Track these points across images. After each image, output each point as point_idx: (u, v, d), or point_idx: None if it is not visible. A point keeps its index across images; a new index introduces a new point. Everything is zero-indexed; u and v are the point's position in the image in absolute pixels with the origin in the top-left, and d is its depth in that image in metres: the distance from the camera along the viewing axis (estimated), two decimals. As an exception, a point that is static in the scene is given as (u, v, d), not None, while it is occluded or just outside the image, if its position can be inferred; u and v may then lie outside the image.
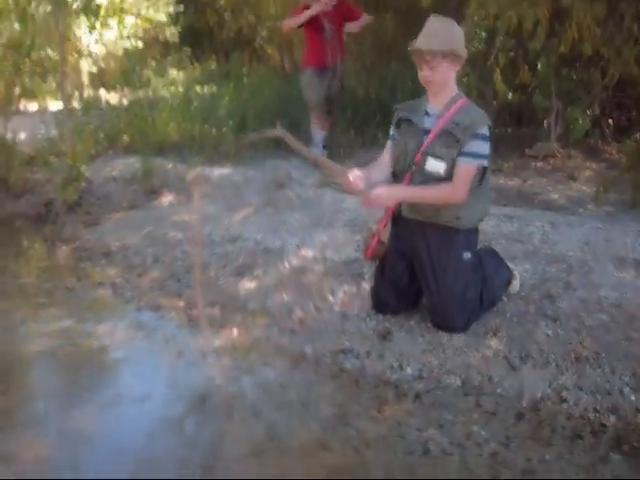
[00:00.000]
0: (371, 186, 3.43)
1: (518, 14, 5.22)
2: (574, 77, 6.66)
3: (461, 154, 3.40)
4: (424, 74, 3.46)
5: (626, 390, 3.09)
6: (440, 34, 3.39)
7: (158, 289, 4.41)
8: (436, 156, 3.44)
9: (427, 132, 3.51)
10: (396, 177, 3.65)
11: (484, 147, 3.43)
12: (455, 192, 3.43)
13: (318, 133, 6.69)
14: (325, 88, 6.52)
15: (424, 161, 3.47)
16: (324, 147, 6.68)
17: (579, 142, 7.17)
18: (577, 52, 5.63)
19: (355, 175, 3.45)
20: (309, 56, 6.68)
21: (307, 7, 6.41)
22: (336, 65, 6.51)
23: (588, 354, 3.36)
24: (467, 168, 3.42)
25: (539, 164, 6.90)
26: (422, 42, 3.41)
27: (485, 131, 3.43)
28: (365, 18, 6.69)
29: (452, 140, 3.41)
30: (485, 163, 3.46)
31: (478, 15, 5.52)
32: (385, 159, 3.71)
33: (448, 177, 3.44)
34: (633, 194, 5.58)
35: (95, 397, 3.22)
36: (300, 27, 6.56)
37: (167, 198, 6.14)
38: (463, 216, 3.51)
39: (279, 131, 3.66)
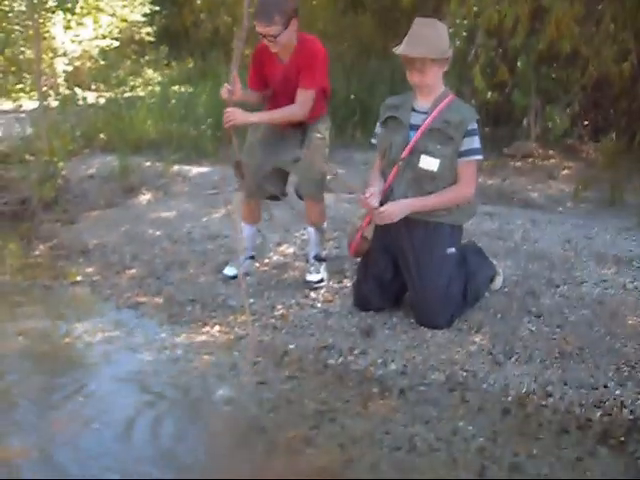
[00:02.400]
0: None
1: (499, 12, 5.23)
2: (553, 76, 6.68)
3: (460, 154, 3.46)
4: (414, 79, 3.47)
5: (611, 385, 3.09)
6: (428, 39, 3.38)
7: (137, 287, 4.35)
8: (429, 153, 3.45)
9: (414, 128, 3.51)
10: (383, 173, 3.65)
11: (477, 142, 3.49)
12: (466, 191, 3.54)
13: (247, 228, 4.33)
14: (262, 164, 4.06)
15: (417, 158, 3.48)
16: (250, 257, 4.38)
17: (557, 142, 7.20)
18: (556, 51, 5.65)
19: (371, 192, 3.51)
20: None
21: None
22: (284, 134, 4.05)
23: (572, 349, 3.37)
24: (469, 165, 3.51)
25: (517, 163, 6.92)
26: (411, 49, 3.39)
27: (475, 125, 3.48)
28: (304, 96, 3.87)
29: (445, 138, 3.44)
30: (481, 157, 3.54)
31: (459, 13, 5.51)
32: (379, 163, 3.72)
33: (440, 173, 3.46)
34: (611, 192, 5.63)
35: (72, 397, 3.17)
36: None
37: (145, 196, 6.08)
38: (455, 211, 3.55)
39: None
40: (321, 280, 4.14)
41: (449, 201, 3.51)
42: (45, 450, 2.78)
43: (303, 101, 3.87)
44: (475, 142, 3.49)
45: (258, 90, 4.07)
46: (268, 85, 4.05)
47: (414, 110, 3.55)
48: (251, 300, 4.01)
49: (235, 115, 3.81)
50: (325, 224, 4.25)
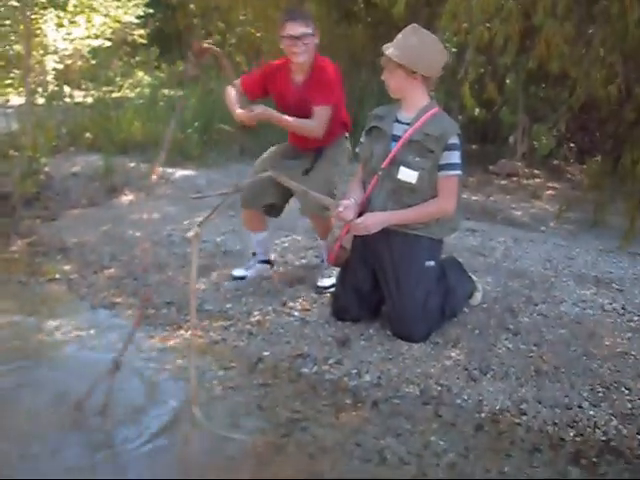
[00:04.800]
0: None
1: (489, 29, 5.23)
2: (541, 95, 6.72)
3: (439, 168, 3.43)
4: (383, 76, 3.51)
5: (585, 405, 3.07)
6: (404, 45, 3.41)
7: (114, 287, 4.31)
8: (408, 165, 3.42)
9: (395, 138, 3.49)
10: (363, 183, 3.63)
11: (457, 157, 3.45)
12: (445, 205, 3.48)
13: (252, 235, 4.35)
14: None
15: (396, 169, 3.45)
16: (263, 261, 4.36)
17: (542, 162, 7.24)
18: (545, 70, 5.67)
19: (345, 205, 3.48)
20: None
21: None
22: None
23: (548, 368, 3.35)
24: (448, 180, 3.46)
25: (503, 181, 6.96)
26: (388, 45, 3.44)
27: (456, 140, 3.44)
28: (320, 114, 3.85)
29: (424, 150, 3.41)
30: (459, 172, 3.48)
31: (450, 29, 5.52)
32: (360, 173, 3.70)
33: (419, 186, 3.43)
34: (594, 214, 5.64)
35: (39, 393, 3.13)
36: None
37: (128, 197, 6.05)
38: (433, 225, 3.52)
39: (273, 173, 3.65)
40: (333, 285, 4.05)
41: (427, 215, 3.49)
42: (10, 445, 2.74)
43: (319, 117, 3.85)
44: (454, 157, 3.44)
45: (251, 98, 4.02)
46: (263, 95, 4.04)
47: (397, 121, 3.54)
48: (228, 305, 3.99)
49: (260, 108, 3.83)
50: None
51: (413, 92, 3.48)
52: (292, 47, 3.82)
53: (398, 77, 3.44)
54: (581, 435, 2.91)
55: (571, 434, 2.92)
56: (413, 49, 3.38)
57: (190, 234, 3.00)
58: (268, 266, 4.36)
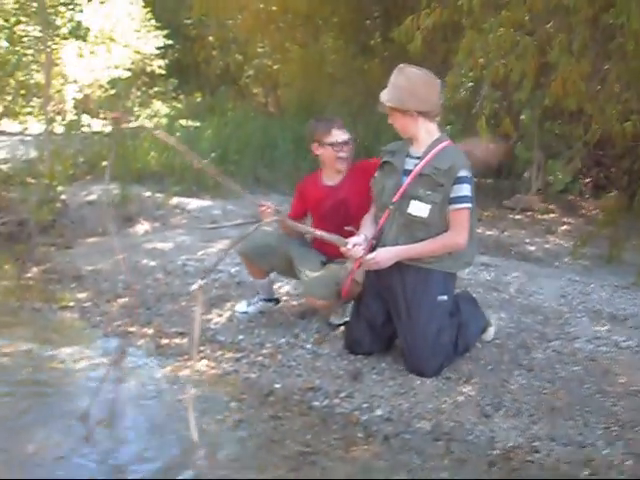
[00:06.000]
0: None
1: (505, 65, 5.25)
2: (556, 131, 6.74)
3: (450, 201, 3.42)
4: (389, 120, 3.57)
5: (599, 443, 3.03)
6: (393, 88, 3.46)
7: (127, 316, 4.31)
8: (420, 199, 3.43)
9: (406, 173, 3.51)
10: (375, 217, 3.64)
11: (467, 190, 3.44)
12: (455, 239, 3.46)
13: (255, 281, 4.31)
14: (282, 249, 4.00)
15: (407, 203, 3.46)
16: (267, 300, 4.28)
17: (557, 197, 7.24)
18: (561, 106, 5.68)
19: (354, 242, 3.48)
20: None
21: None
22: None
23: (561, 405, 3.31)
24: (459, 213, 3.45)
25: (517, 216, 6.95)
26: (382, 92, 3.49)
27: (466, 173, 3.44)
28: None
29: (434, 184, 3.42)
30: (469, 205, 3.46)
31: (466, 64, 5.54)
32: (373, 208, 3.72)
33: (430, 219, 3.43)
34: (610, 249, 5.62)
35: (50, 421, 3.12)
36: None
37: (143, 226, 6.09)
38: (446, 259, 3.50)
39: (279, 215, 3.73)
40: (346, 322, 3.99)
41: (439, 249, 3.47)
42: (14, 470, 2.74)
43: None
44: (464, 190, 3.43)
45: (296, 218, 4.06)
46: (307, 213, 4.13)
47: (409, 155, 3.56)
48: (241, 336, 3.98)
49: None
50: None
51: (417, 129, 3.51)
52: (340, 152, 3.93)
53: (398, 119, 3.50)
54: (595, 474, 2.87)
55: (585, 473, 2.87)
56: (401, 89, 3.43)
57: (194, 287, 3.02)
58: (271, 304, 4.32)
